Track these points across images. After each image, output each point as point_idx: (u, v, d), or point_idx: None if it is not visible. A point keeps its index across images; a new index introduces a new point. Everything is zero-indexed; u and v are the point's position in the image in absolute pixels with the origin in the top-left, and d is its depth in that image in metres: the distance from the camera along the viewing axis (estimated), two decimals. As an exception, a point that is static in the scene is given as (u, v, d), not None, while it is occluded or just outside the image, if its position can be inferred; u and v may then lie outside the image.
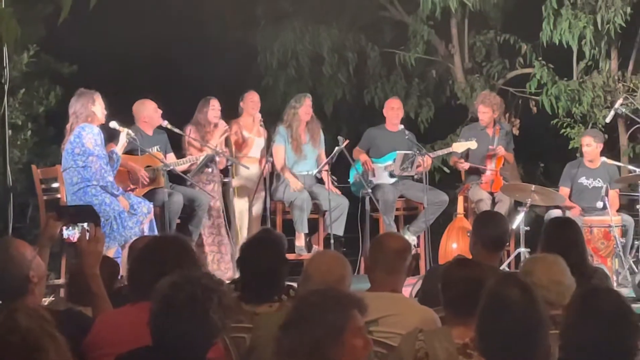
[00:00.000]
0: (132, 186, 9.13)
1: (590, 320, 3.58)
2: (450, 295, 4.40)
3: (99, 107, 8.66)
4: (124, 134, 8.87)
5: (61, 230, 4.85)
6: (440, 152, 11.16)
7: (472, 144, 10.50)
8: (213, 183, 9.81)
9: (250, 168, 10.01)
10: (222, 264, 9.72)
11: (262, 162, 10.14)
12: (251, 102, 10.25)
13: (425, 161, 10.30)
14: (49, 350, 3.02)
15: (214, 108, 9.91)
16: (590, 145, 10.32)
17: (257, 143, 10.23)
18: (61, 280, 8.41)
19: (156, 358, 3.61)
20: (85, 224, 4.71)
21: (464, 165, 10.61)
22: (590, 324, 3.57)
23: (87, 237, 4.64)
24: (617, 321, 3.59)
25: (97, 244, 4.65)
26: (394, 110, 10.73)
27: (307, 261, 4.80)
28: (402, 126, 10.54)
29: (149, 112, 9.51)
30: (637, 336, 3.64)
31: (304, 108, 10.27)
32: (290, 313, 3.45)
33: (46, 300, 7.25)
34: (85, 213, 4.96)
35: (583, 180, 10.31)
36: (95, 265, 4.62)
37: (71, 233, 4.85)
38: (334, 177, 10.07)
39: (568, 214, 9.95)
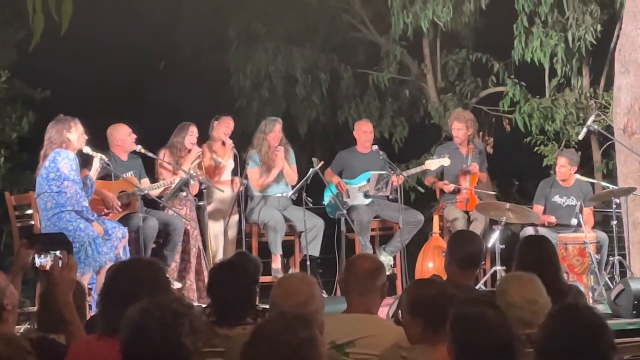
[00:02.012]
0: (106, 211, 9.09)
1: (565, 337, 3.58)
2: (427, 315, 4.40)
3: (74, 134, 8.59)
4: (97, 159, 8.82)
5: (33, 258, 4.81)
6: (413, 171, 11.15)
7: (445, 161, 10.50)
8: (186, 207, 9.77)
9: (224, 191, 9.99)
10: (190, 292, 9.68)
11: (234, 183, 10.11)
12: (226, 127, 10.19)
13: (398, 179, 10.29)
14: None
15: (192, 134, 9.86)
16: (564, 167, 10.34)
17: (228, 166, 10.19)
18: (36, 308, 8.35)
19: None
20: (57, 252, 4.68)
21: (449, 187, 10.56)
22: (565, 340, 3.58)
23: (60, 265, 4.60)
24: (594, 337, 3.60)
25: (70, 272, 4.61)
26: (366, 134, 10.71)
27: (273, 285, 4.78)
28: (376, 146, 10.53)
29: (122, 136, 9.47)
30: (613, 352, 3.66)
31: (273, 134, 10.20)
32: (252, 341, 3.42)
33: (21, 328, 7.21)
34: (57, 240, 4.92)
35: (557, 198, 10.33)
36: (68, 293, 4.58)
37: (43, 261, 4.80)
38: (309, 199, 10.05)
39: (541, 230, 9.97)
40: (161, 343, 3.51)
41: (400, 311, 4.62)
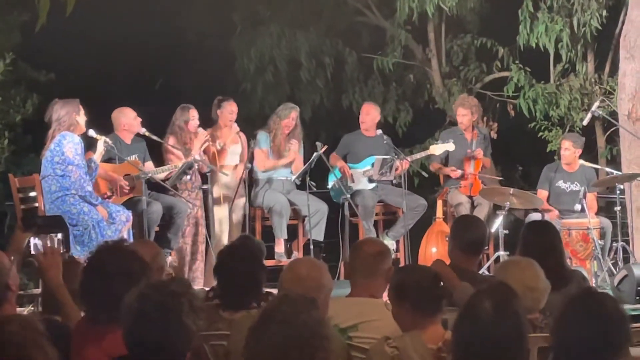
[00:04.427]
0: (109, 194, 9.09)
1: (588, 323, 3.57)
2: (413, 299, 4.40)
3: (82, 118, 8.62)
4: (102, 142, 8.84)
5: (29, 241, 4.81)
6: (418, 156, 11.14)
7: (450, 146, 10.49)
8: (194, 191, 9.77)
9: (229, 175, 9.99)
10: (197, 273, 9.69)
11: (239, 168, 10.10)
12: (230, 113, 10.17)
13: (403, 164, 10.30)
14: None
15: (194, 118, 9.83)
16: (569, 150, 10.33)
17: (232, 151, 10.18)
18: (39, 290, 8.36)
19: None
20: (57, 235, 4.68)
21: (456, 173, 10.54)
22: (587, 327, 3.57)
23: (43, 251, 4.60)
24: (615, 326, 3.60)
25: (54, 256, 4.61)
26: (369, 116, 10.71)
27: (283, 270, 4.79)
28: (380, 131, 10.53)
29: (128, 120, 9.46)
30: (628, 341, 3.66)
31: (287, 121, 10.23)
32: (262, 324, 3.42)
33: (24, 310, 7.23)
34: (54, 223, 4.92)
35: (561, 183, 10.33)
36: (58, 276, 4.58)
37: (40, 243, 4.79)
38: (312, 183, 10.05)
39: (547, 217, 9.98)
40: (163, 325, 3.50)
41: (388, 301, 4.63)
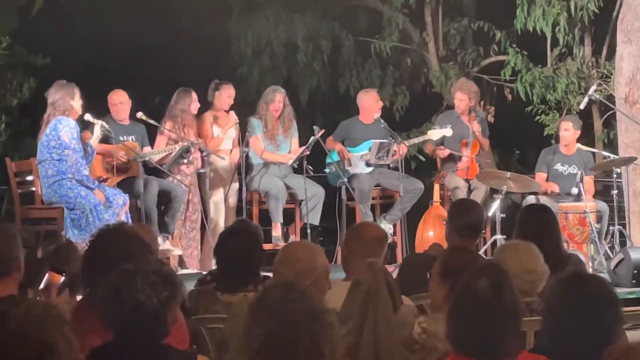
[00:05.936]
0: (104, 176, 9.09)
1: (576, 305, 3.58)
2: (454, 281, 4.40)
3: (77, 102, 8.61)
4: (98, 126, 8.82)
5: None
6: (415, 140, 11.12)
7: (448, 131, 10.48)
8: (189, 176, 9.76)
9: (225, 159, 9.98)
10: (192, 259, 9.69)
11: (234, 152, 10.08)
12: (228, 97, 10.14)
13: (400, 149, 10.29)
14: (62, 351, 2.95)
15: (195, 100, 9.82)
16: (569, 130, 10.32)
17: (227, 135, 10.15)
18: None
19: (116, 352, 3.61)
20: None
21: (444, 152, 10.56)
22: (576, 309, 3.57)
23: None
24: (603, 307, 3.60)
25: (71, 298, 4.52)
26: (378, 103, 10.65)
27: (278, 253, 4.80)
28: (377, 115, 10.51)
29: (110, 106, 9.43)
30: (620, 323, 3.66)
31: (274, 105, 10.20)
32: (259, 312, 3.41)
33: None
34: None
35: (558, 166, 10.33)
36: None
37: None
38: (310, 167, 10.04)
39: (542, 199, 9.98)
40: (120, 307, 3.52)
41: (428, 274, 4.60)
